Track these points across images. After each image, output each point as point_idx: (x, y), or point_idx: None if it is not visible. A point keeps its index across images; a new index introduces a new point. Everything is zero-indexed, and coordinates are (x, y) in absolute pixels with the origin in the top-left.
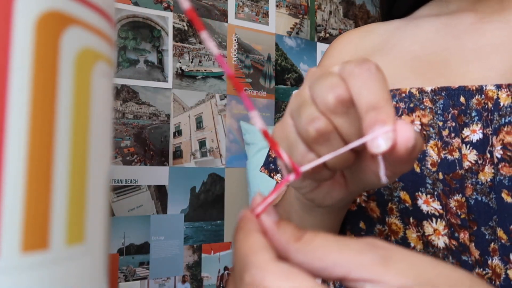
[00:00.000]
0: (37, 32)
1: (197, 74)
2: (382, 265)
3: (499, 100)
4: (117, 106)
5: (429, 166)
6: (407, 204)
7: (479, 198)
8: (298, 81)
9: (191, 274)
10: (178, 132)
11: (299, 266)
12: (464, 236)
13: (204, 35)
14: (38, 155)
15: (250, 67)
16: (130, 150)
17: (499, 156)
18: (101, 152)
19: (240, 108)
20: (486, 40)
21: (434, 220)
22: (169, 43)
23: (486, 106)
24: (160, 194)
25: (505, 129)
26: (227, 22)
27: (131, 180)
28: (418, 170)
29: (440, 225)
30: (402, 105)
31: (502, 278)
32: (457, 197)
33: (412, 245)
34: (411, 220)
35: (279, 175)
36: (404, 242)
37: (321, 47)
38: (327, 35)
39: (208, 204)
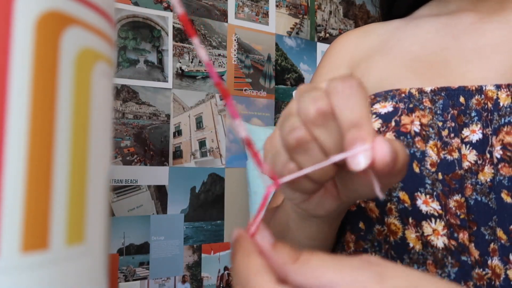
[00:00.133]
0: (37, 32)
1: (197, 74)
2: (377, 282)
3: (498, 100)
4: (117, 106)
5: (428, 166)
6: (406, 204)
7: (479, 198)
8: (298, 81)
9: (191, 274)
10: (178, 132)
11: (298, 287)
12: (463, 236)
13: (196, 41)
14: (38, 155)
15: (250, 67)
16: (130, 150)
17: (498, 156)
18: (101, 152)
19: (240, 108)
20: (486, 40)
21: (433, 220)
22: (169, 43)
23: (486, 106)
24: (160, 194)
25: (505, 129)
26: (227, 22)
27: (131, 180)
28: (417, 170)
29: (439, 225)
30: (401, 105)
31: (501, 279)
32: (457, 197)
33: (411, 245)
34: (410, 220)
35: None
36: (403, 242)
37: (321, 47)
38: (327, 35)
39: (208, 204)
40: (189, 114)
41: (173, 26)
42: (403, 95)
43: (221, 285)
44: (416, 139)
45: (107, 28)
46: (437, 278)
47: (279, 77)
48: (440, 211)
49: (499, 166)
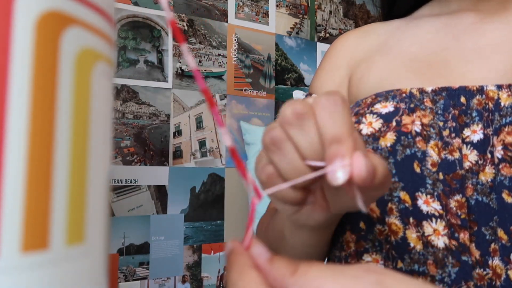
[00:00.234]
0: (37, 32)
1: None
2: None
3: (499, 101)
4: (117, 106)
5: (429, 166)
6: (407, 204)
7: (480, 199)
8: (298, 81)
9: (191, 274)
10: (178, 132)
11: None
12: (464, 236)
13: (184, 47)
14: (38, 155)
15: (250, 67)
16: (130, 150)
17: (499, 156)
18: (101, 152)
19: (240, 108)
20: (486, 40)
21: (434, 220)
22: (169, 43)
23: (487, 106)
24: (160, 194)
25: (506, 129)
26: (227, 22)
27: (131, 180)
28: (418, 170)
29: (440, 225)
30: (402, 105)
31: (502, 279)
32: (457, 197)
33: (412, 245)
34: (411, 220)
35: None
36: (403, 242)
37: (321, 47)
38: (327, 35)
39: (208, 204)
40: (189, 114)
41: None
42: (404, 95)
43: (221, 285)
44: (417, 139)
45: (107, 28)
46: (435, 287)
47: (279, 77)
48: (441, 211)
49: (500, 166)
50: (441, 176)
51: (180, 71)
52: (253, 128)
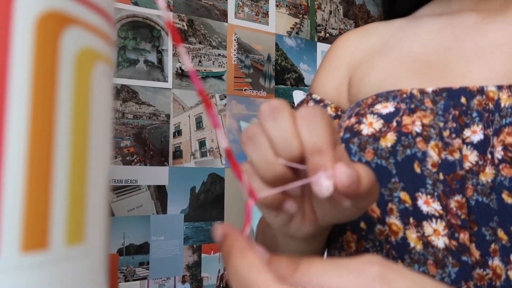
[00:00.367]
0: (37, 32)
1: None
2: (382, 285)
3: (500, 101)
4: (117, 106)
5: (429, 166)
6: (407, 205)
7: (480, 199)
8: (298, 81)
9: (191, 274)
10: (178, 132)
11: None
12: (464, 236)
13: (181, 49)
14: (38, 155)
15: (250, 67)
16: (130, 150)
17: (500, 157)
18: (101, 152)
19: (240, 108)
20: (487, 41)
21: (434, 220)
22: (169, 43)
23: (487, 107)
24: (160, 194)
25: (506, 130)
26: (227, 22)
27: (131, 180)
28: (418, 170)
29: (440, 226)
30: (403, 105)
31: (502, 279)
32: (458, 197)
33: (412, 245)
34: (411, 220)
35: None
36: (404, 242)
37: (321, 47)
38: (327, 35)
39: (208, 204)
40: (189, 114)
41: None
42: (404, 95)
43: (221, 285)
44: (417, 139)
45: (107, 28)
46: (442, 285)
47: (279, 77)
48: (441, 212)
49: (500, 166)
50: (441, 177)
51: (180, 71)
52: None
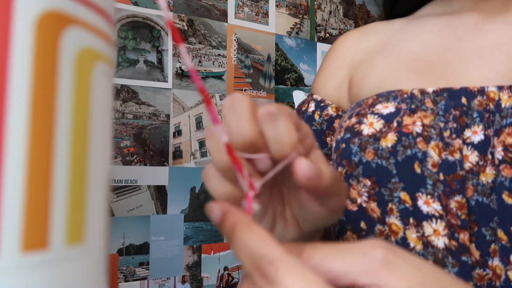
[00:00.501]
0: (37, 32)
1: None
2: (387, 269)
3: (500, 102)
4: (117, 106)
5: (430, 167)
6: (407, 205)
7: (480, 199)
8: (298, 81)
9: (191, 274)
10: (178, 132)
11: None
12: (464, 236)
13: (182, 48)
14: (38, 155)
15: (250, 67)
16: (130, 150)
17: (500, 157)
18: (101, 152)
19: None
20: (488, 41)
21: (434, 220)
22: (169, 43)
23: (488, 107)
24: (160, 194)
25: (507, 130)
26: (227, 22)
27: (131, 180)
28: (418, 171)
29: (440, 226)
30: (403, 106)
31: (502, 279)
32: (458, 198)
33: (412, 245)
34: (411, 220)
35: None
36: (403, 242)
37: (321, 47)
38: (327, 35)
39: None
40: (189, 114)
41: (173, 25)
42: (405, 95)
43: (221, 285)
44: (418, 139)
45: (107, 28)
46: (444, 272)
47: (279, 77)
48: (441, 212)
49: (501, 167)
50: (441, 177)
51: (180, 71)
52: None
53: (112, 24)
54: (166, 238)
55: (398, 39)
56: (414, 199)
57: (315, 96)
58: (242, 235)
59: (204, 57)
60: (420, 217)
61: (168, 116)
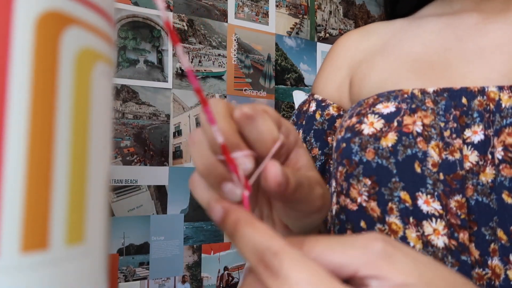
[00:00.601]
0: (37, 32)
1: (197, 74)
2: (387, 262)
3: (500, 102)
4: (117, 106)
5: (430, 166)
6: (407, 204)
7: (480, 199)
8: (298, 81)
9: (191, 274)
10: (178, 132)
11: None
12: (463, 236)
13: (179, 49)
14: (38, 155)
15: (250, 67)
16: (130, 150)
17: (500, 157)
18: (101, 152)
19: None
20: (488, 41)
21: (434, 220)
22: (169, 43)
23: (488, 107)
24: (160, 194)
25: (507, 130)
26: (227, 22)
27: (131, 180)
28: (419, 170)
29: (440, 225)
30: (404, 106)
31: (501, 279)
32: (458, 197)
33: (412, 244)
34: (411, 219)
35: None
36: (403, 242)
37: (321, 47)
38: (327, 35)
39: None
40: (189, 114)
41: (173, 26)
42: (405, 95)
43: (221, 285)
44: (418, 139)
45: (107, 28)
46: (442, 264)
47: (279, 77)
48: (441, 211)
49: (501, 167)
50: (441, 177)
51: (180, 71)
52: None
53: (112, 24)
54: (166, 238)
55: (399, 39)
56: (414, 199)
57: (316, 96)
58: (245, 231)
59: (204, 57)
60: (420, 217)
61: (168, 116)
